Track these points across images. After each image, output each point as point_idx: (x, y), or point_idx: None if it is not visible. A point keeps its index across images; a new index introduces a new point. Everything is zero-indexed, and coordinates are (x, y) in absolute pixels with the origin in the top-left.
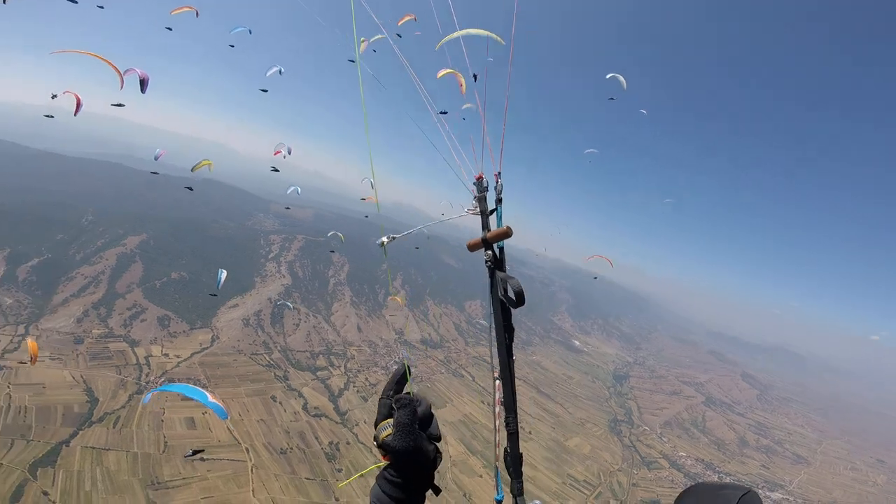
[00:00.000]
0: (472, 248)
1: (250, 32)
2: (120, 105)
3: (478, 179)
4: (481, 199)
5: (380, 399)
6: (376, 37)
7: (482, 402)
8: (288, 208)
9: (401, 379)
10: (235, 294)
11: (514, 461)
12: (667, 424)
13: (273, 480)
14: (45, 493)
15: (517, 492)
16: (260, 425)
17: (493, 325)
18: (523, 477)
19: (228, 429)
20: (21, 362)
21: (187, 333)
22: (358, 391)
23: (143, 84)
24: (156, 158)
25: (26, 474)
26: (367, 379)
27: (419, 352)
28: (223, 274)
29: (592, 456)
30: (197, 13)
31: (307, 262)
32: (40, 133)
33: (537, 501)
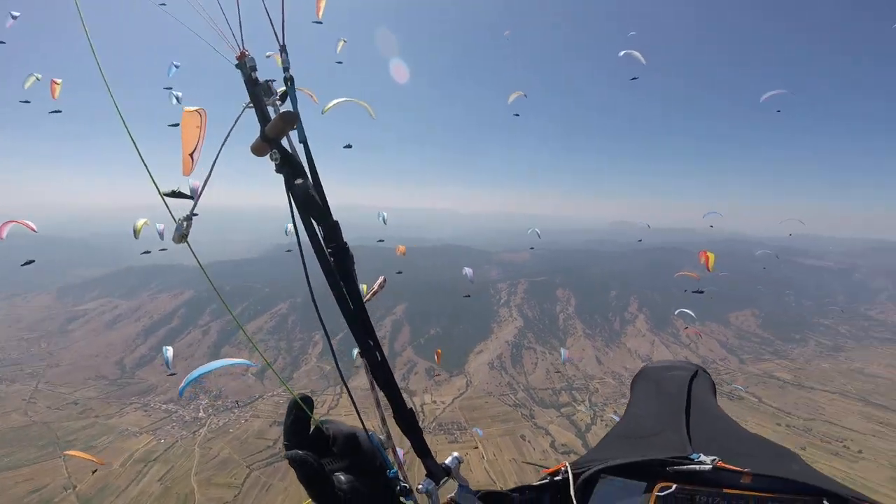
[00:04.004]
0: (256, 151)
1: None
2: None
3: (239, 59)
4: (250, 83)
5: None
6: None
7: (777, 424)
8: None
9: (294, 423)
10: (479, 341)
11: (403, 418)
12: None
13: None
14: None
15: (421, 451)
16: (512, 465)
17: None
18: None
19: (485, 469)
20: None
21: (448, 381)
22: (606, 425)
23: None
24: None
25: None
26: (615, 412)
27: None
28: (169, 352)
29: None
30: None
31: (534, 302)
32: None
33: (455, 454)
